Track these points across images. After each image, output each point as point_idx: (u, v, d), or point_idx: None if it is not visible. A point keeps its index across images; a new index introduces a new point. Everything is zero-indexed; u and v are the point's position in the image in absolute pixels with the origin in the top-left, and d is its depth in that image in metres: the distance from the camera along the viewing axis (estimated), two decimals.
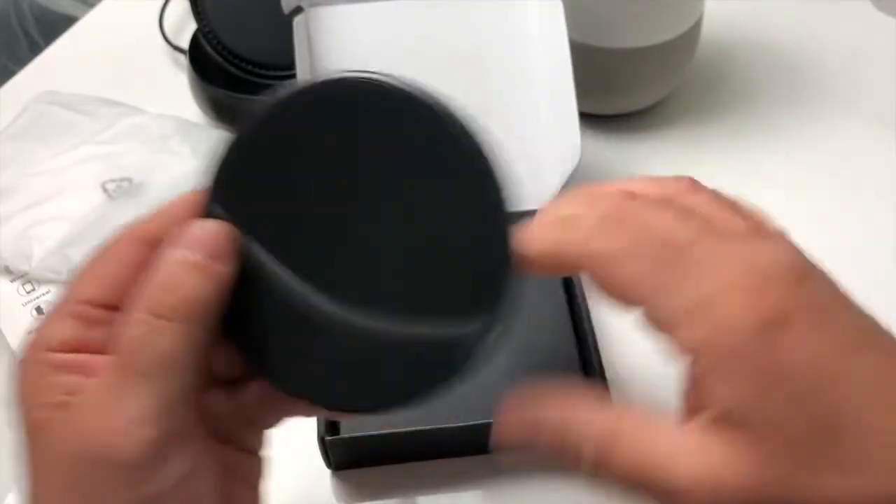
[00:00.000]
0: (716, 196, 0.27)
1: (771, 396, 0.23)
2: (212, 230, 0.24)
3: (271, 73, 0.52)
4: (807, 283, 0.24)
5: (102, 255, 0.25)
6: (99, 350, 0.24)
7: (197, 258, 0.23)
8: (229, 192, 0.24)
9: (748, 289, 0.23)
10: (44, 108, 0.48)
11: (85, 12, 0.65)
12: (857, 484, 0.22)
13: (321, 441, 0.36)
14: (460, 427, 0.35)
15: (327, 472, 0.38)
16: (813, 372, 0.23)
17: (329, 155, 0.25)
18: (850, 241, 0.32)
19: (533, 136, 0.43)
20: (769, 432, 0.23)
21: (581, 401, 0.26)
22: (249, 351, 0.24)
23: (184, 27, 0.59)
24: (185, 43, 0.53)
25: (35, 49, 0.82)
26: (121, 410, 0.22)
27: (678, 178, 0.27)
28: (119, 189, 0.43)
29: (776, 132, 0.51)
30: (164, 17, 0.58)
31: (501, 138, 0.36)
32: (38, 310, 0.38)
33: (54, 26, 0.81)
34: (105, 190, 0.43)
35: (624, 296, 0.25)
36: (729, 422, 0.24)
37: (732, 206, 0.27)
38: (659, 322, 0.24)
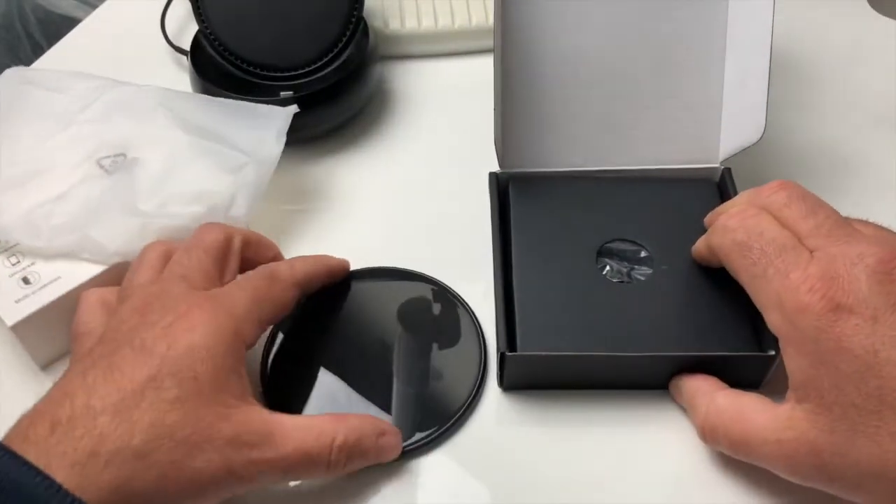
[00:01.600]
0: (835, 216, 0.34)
1: (830, 372, 0.29)
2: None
3: (272, 74, 0.52)
4: (885, 282, 0.29)
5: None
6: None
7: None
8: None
9: (824, 280, 0.30)
10: (15, 89, 0.47)
11: (87, 14, 0.65)
12: None
13: (500, 357, 0.37)
14: (636, 357, 0.37)
15: (496, 391, 0.39)
16: (866, 356, 0.29)
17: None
18: None
19: (715, 99, 0.44)
20: (829, 403, 0.29)
21: (708, 382, 0.36)
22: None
23: (185, 28, 0.60)
24: (186, 44, 0.53)
25: (37, 50, 0.82)
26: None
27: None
28: (115, 164, 0.43)
29: (774, 133, 0.51)
30: (166, 18, 0.59)
31: (681, 90, 0.45)
32: (25, 280, 0.39)
33: (56, 27, 0.81)
34: (101, 166, 0.43)
35: (735, 278, 0.35)
36: (801, 394, 0.31)
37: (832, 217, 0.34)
38: (756, 304, 0.33)
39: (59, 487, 0.26)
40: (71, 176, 0.43)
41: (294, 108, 0.46)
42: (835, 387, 0.29)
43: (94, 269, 0.40)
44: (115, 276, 0.39)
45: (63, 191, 0.42)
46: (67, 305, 0.39)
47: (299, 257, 0.41)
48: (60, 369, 0.40)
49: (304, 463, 0.33)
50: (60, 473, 0.27)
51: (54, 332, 0.40)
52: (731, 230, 0.34)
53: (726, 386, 0.35)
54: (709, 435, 0.35)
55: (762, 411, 0.32)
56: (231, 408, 0.31)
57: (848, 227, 0.32)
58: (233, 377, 0.32)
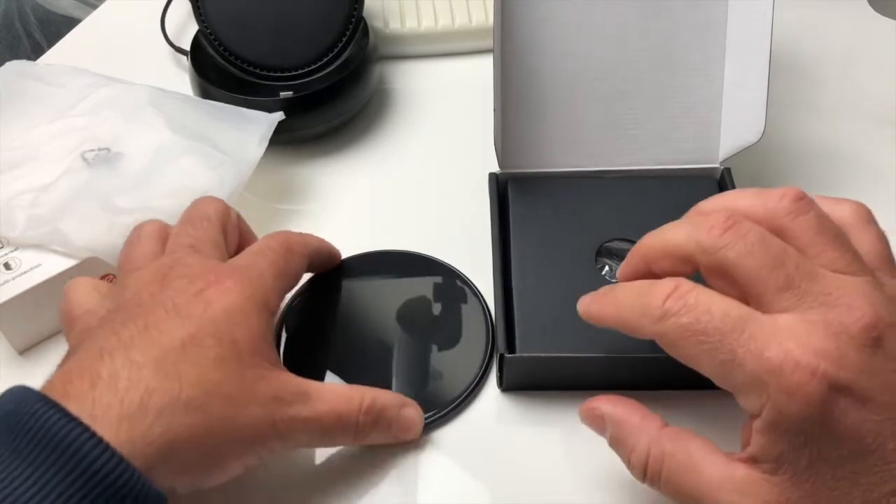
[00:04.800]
0: (818, 221, 0.29)
1: (811, 454, 0.27)
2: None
3: (272, 74, 0.52)
4: (880, 348, 0.26)
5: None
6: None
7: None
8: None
9: (809, 355, 0.26)
10: (14, 81, 0.48)
11: (87, 14, 0.65)
12: None
13: (499, 359, 0.38)
14: (636, 358, 0.37)
15: (496, 392, 0.39)
16: (851, 442, 0.26)
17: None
18: None
19: (714, 99, 0.44)
20: (800, 480, 0.27)
21: (639, 413, 0.31)
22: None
23: (185, 28, 0.60)
24: (186, 44, 0.53)
25: (37, 50, 0.82)
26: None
27: (783, 194, 0.30)
28: (98, 157, 0.44)
29: (774, 133, 0.51)
30: (166, 18, 0.59)
31: (681, 90, 0.44)
32: (6, 265, 0.40)
33: (56, 27, 0.81)
34: (84, 159, 0.44)
35: (691, 366, 0.29)
36: (770, 467, 0.27)
37: (832, 234, 0.29)
38: (724, 388, 0.28)
39: (108, 446, 0.26)
40: (55, 167, 0.43)
41: (280, 115, 0.46)
42: (811, 467, 0.27)
43: (74, 260, 0.40)
44: (91, 268, 0.40)
45: (47, 182, 0.42)
46: (47, 292, 0.39)
47: (300, 233, 0.41)
48: (39, 354, 0.41)
49: (336, 424, 0.33)
50: (108, 428, 0.26)
51: (33, 318, 0.40)
52: (673, 314, 0.28)
53: (658, 416, 0.31)
54: (649, 479, 0.30)
55: (715, 465, 0.29)
56: (267, 370, 0.32)
57: (819, 279, 0.28)
58: (266, 345, 0.33)
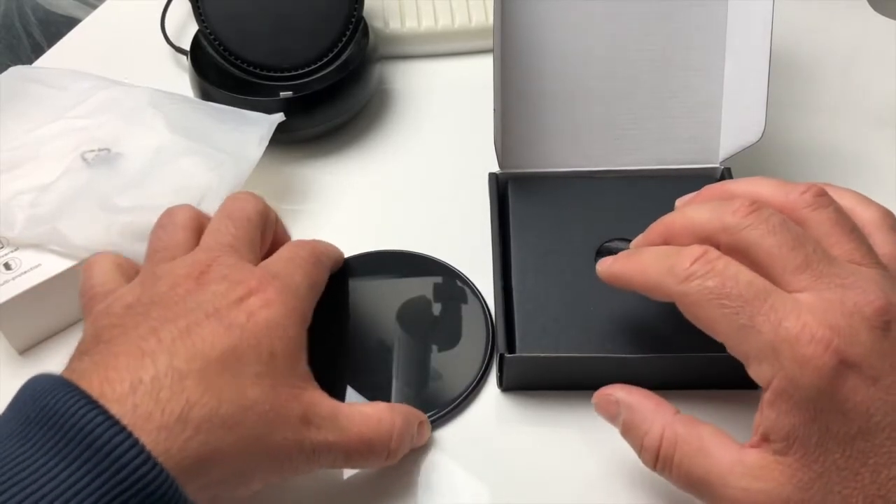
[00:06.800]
0: (837, 215, 0.31)
1: (821, 431, 0.27)
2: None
3: (272, 74, 0.52)
4: (889, 332, 0.28)
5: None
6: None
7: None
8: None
9: (825, 329, 0.27)
10: (15, 85, 0.48)
11: (87, 14, 0.65)
12: None
13: (499, 359, 0.38)
14: (636, 358, 0.37)
15: (496, 392, 0.39)
16: (860, 419, 0.27)
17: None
18: None
19: (714, 99, 0.44)
20: (811, 461, 0.27)
21: (652, 400, 0.32)
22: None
23: (185, 28, 0.60)
24: (186, 44, 0.53)
25: (37, 50, 0.82)
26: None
27: (806, 188, 0.32)
28: (98, 158, 0.44)
29: (774, 133, 0.51)
30: (166, 18, 0.59)
31: (681, 91, 0.45)
32: (6, 266, 0.40)
33: (56, 27, 0.81)
34: (84, 159, 0.44)
35: (707, 330, 0.30)
36: (782, 446, 0.28)
37: (848, 228, 0.31)
38: (736, 354, 0.29)
39: (150, 456, 0.25)
40: (55, 167, 0.43)
41: (280, 117, 0.46)
42: (821, 445, 0.27)
43: (73, 259, 0.40)
44: None
45: (47, 182, 0.42)
46: (47, 292, 0.39)
47: (324, 242, 0.40)
48: (39, 354, 0.41)
49: (364, 450, 0.33)
50: (147, 437, 0.26)
51: (33, 318, 0.40)
52: (699, 276, 0.29)
53: (672, 406, 0.32)
54: (661, 463, 0.31)
55: (726, 450, 0.29)
56: (300, 389, 0.31)
57: (836, 263, 0.29)
58: (301, 359, 0.32)
